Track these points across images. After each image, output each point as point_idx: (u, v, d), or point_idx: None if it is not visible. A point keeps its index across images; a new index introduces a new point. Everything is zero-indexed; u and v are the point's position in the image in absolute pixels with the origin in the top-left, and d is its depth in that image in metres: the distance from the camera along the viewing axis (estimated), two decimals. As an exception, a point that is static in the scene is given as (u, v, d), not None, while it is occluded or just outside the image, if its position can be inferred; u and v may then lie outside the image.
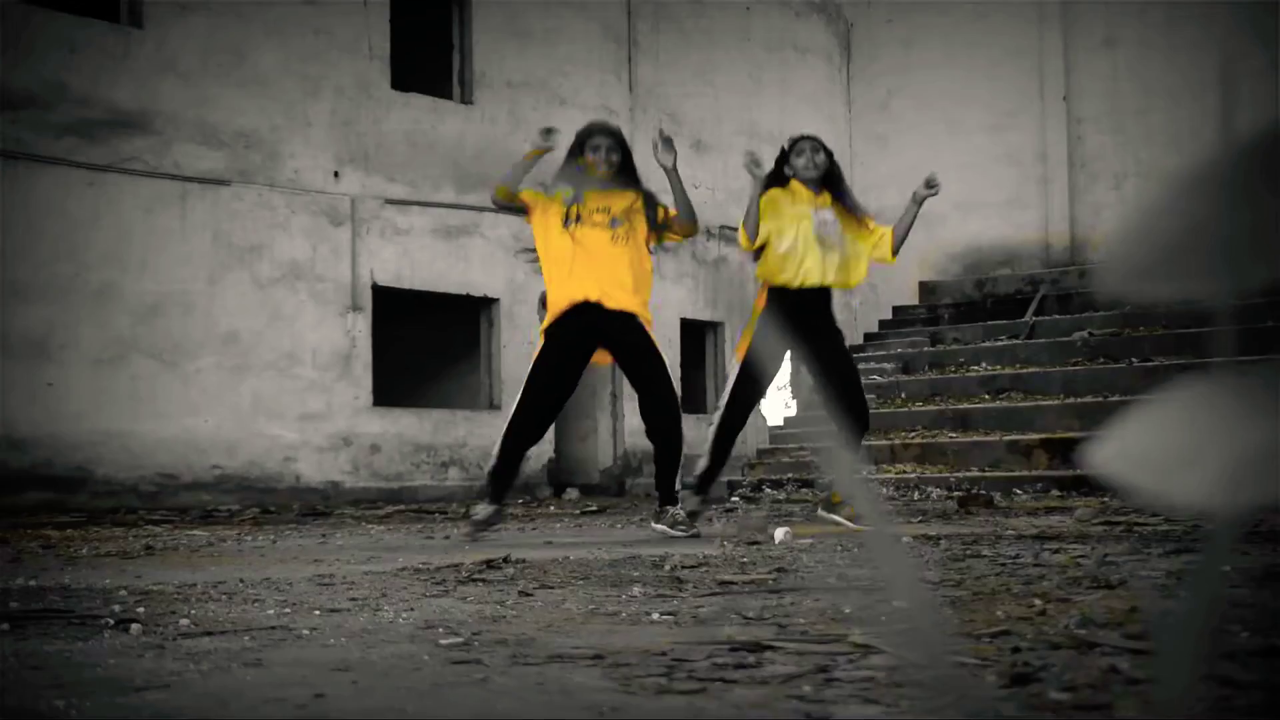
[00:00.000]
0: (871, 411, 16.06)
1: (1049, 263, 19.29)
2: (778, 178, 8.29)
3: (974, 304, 18.97)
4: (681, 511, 7.71)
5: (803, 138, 8.31)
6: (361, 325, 14.93)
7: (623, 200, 7.68)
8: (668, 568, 5.01)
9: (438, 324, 16.66)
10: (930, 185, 8.01)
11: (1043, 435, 13.61)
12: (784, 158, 8.30)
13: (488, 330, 16.27)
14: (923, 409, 15.59)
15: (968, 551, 5.52)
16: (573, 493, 16.00)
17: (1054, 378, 15.13)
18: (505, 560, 5.33)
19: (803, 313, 8.14)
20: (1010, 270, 19.48)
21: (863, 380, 17.39)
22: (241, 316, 13.98)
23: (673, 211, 7.77)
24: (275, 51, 14.41)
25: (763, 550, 6.01)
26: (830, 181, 8.29)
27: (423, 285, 15.56)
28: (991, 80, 19.92)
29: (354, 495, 14.45)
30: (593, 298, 7.51)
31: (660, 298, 17.73)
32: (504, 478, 7.66)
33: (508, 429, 7.64)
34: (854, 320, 20.53)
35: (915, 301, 19.96)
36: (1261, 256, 0.64)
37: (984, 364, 16.53)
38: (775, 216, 8.14)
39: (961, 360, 16.88)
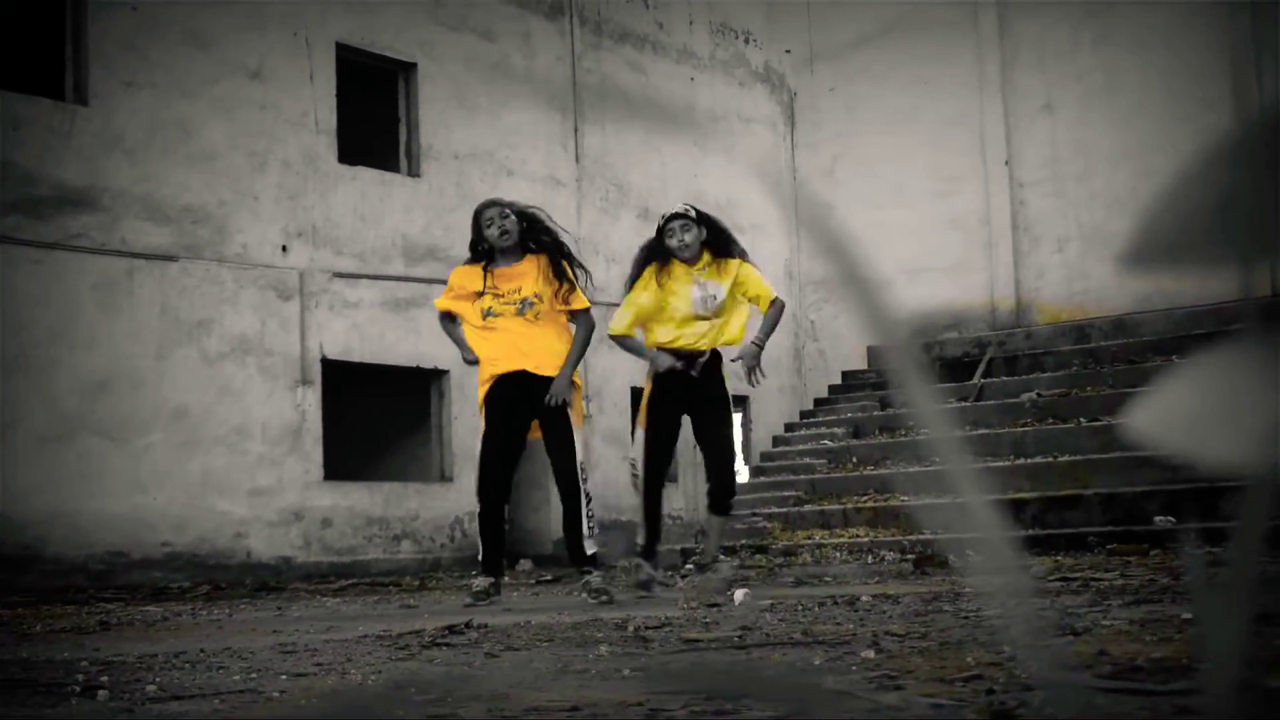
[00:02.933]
0: (824, 476, 16.19)
1: (995, 325, 19.43)
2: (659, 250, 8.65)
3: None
4: (597, 578, 8.06)
5: (672, 216, 8.60)
6: (311, 399, 14.86)
7: (528, 278, 8.06)
8: (631, 629, 5.00)
9: (388, 396, 16.61)
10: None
11: (993, 497, 13.65)
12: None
13: (438, 402, 16.24)
14: (874, 473, 15.65)
15: (929, 607, 5.53)
16: (526, 564, 15.93)
17: (1003, 439, 15.21)
18: (467, 625, 5.30)
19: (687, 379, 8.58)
20: (958, 333, 19.61)
21: (814, 446, 17.48)
22: (190, 392, 13.89)
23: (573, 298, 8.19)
24: (222, 127, 14.41)
25: (724, 611, 6.01)
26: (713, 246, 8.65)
27: (372, 358, 15.53)
28: (934, 146, 20.12)
29: (306, 570, 14.34)
30: (517, 367, 8.00)
31: (610, 366, 17.80)
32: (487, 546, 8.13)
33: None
34: (803, 386, 20.62)
35: (864, 366, 20.06)
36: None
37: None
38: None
39: (911, 424, 16.94)
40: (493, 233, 8.00)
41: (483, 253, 8.17)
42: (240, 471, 14.19)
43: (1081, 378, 16.62)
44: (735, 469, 8.94)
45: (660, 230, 8.63)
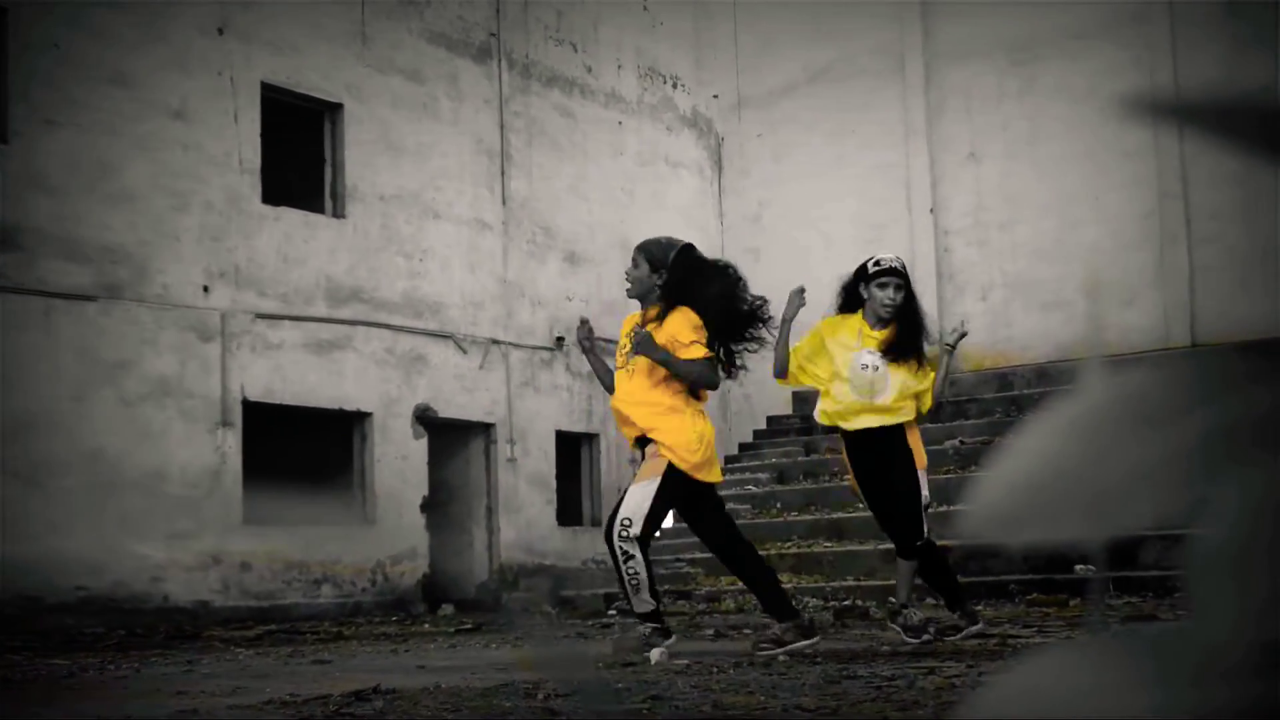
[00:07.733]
0: (748, 522, 16.16)
1: (920, 372, 19.50)
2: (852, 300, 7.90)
3: (847, 413, 19.08)
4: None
5: (890, 270, 7.86)
6: (232, 441, 14.71)
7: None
8: (540, 697, 4.94)
9: (310, 439, 16.45)
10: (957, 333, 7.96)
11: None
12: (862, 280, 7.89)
13: (360, 445, 16.10)
14: (798, 519, 15.66)
15: (843, 673, 5.50)
16: (448, 608, 15.81)
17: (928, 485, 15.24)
18: (375, 691, 5.22)
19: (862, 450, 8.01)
20: (882, 379, 19.66)
21: (739, 491, 17.46)
22: (108, 434, 13.70)
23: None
24: (144, 166, 14.27)
25: (638, 673, 5.95)
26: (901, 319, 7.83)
27: (294, 400, 15.39)
28: (860, 194, 20.24)
29: (224, 615, 14.15)
30: None
31: (536, 409, 17.75)
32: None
33: None
34: (729, 430, 20.60)
35: (789, 411, 20.08)
36: (1140, 499, 0.63)
37: (858, 473, 16.62)
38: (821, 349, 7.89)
39: (835, 469, 16.97)
40: None
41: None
42: (158, 515, 13.99)
43: (1005, 425, 16.70)
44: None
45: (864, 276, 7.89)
